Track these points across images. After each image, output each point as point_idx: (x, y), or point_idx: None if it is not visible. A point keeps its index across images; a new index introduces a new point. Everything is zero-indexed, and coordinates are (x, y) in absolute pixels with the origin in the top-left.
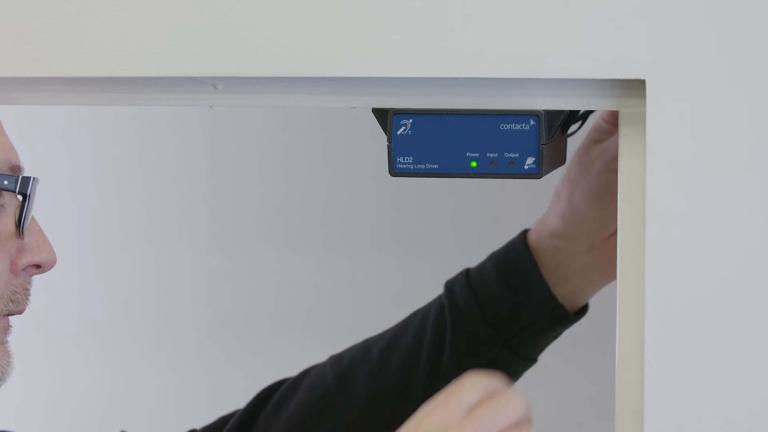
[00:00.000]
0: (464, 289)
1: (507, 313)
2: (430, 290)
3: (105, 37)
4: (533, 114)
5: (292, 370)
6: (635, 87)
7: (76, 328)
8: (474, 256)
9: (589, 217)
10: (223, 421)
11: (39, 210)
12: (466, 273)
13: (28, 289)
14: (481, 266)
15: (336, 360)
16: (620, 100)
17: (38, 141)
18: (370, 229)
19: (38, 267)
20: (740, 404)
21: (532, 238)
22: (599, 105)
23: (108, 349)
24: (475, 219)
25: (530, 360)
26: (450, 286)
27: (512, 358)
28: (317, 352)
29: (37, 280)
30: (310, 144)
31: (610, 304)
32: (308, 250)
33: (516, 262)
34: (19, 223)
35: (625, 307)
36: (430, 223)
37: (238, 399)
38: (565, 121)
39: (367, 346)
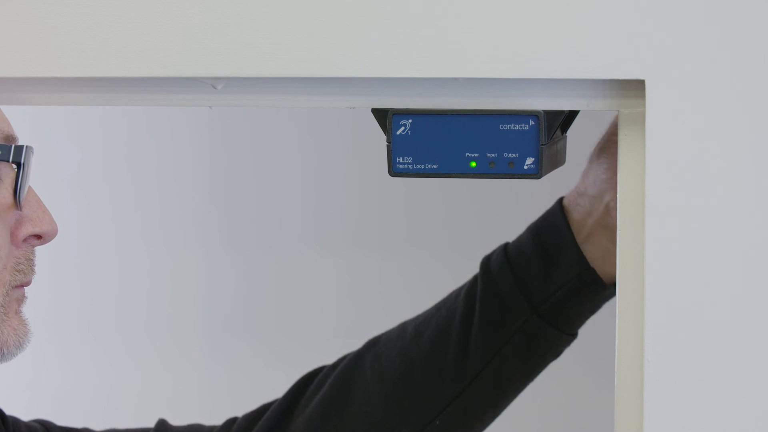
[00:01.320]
0: (500, 256)
1: (538, 276)
2: (428, 289)
3: (104, 37)
4: (533, 114)
5: (300, 368)
6: (635, 87)
7: (83, 327)
8: (472, 256)
9: (604, 178)
10: (265, 407)
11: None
12: (506, 244)
13: (32, 260)
14: (520, 235)
15: (372, 341)
16: (620, 101)
17: (40, 141)
18: (369, 230)
19: (39, 237)
20: (740, 405)
21: (565, 199)
22: (599, 105)
23: (115, 348)
24: (474, 219)
25: (568, 334)
26: (487, 256)
27: (542, 326)
28: (320, 351)
29: (46, 281)
30: (310, 144)
31: (610, 304)
32: (307, 250)
33: (549, 224)
34: (16, 194)
35: (625, 307)
36: (429, 223)
37: (245, 396)
38: (564, 121)
39: (404, 325)
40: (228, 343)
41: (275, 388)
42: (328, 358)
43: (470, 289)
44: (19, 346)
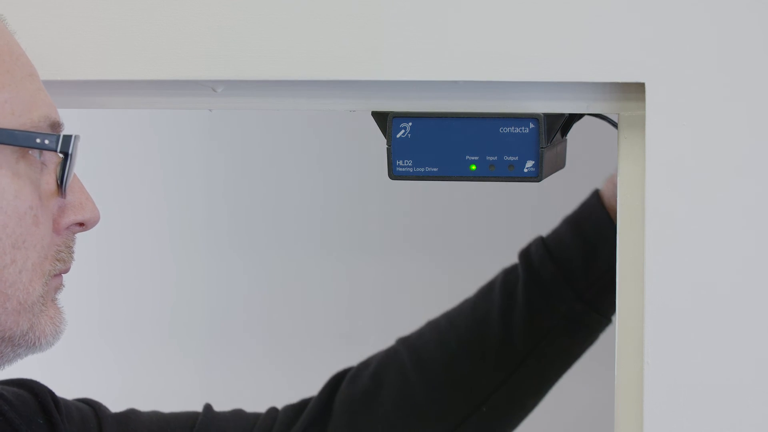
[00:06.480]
0: (539, 248)
1: (580, 263)
2: (430, 292)
3: (104, 40)
4: (533, 117)
5: (301, 369)
6: (635, 90)
7: (87, 326)
8: (471, 258)
9: None
10: (305, 402)
11: None
12: (541, 236)
13: (72, 247)
14: (556, 227)
15: (402, 339)
16: (620, 104)
17: None
18: (369, 233)
19: (81, 224)
20: (740, 407)
21: (602, 189)
22: (599, 108)
23: (118, 348)
24: (475, 222)
25: (605, 317)
26: (525, 249)
27: (585, 312)
28: (322, 353)
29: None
30: (310, 147)
31: None
32: (307, 252)
33: (588, 214)
34: (61, 183)
35: (625, 310)
36: (429, 226)
37: (247, 397)
38: (564, 124)
39: (433, 322)
40: (229, 344)
41: (278, 390)
42: (330, 360)
43: (506, 281)
44: (56, 335)
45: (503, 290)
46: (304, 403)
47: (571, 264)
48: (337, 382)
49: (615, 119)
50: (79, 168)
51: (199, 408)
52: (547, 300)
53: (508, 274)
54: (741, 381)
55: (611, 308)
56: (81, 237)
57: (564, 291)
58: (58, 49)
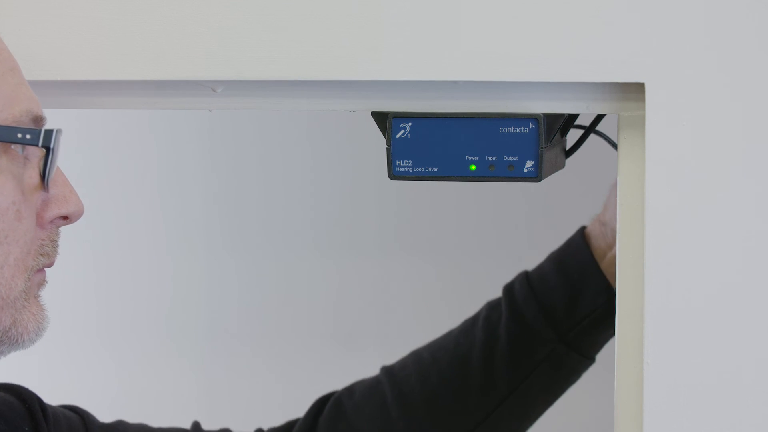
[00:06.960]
0: (523, 286)
1: (563, 305)
2: (431, 294)
3: (104, 40)
4: (532, 117)
5: (298, 371)
6: (635, 90)
7: (86, 328)
8: (471, 259)
9: None
10: (290, 424)
11: None
12: (526, 273)
13: (56, 241)
14: (540, 264)
15: (386, 369)
16: (620, 104)
17: None
18: (369, 234)
19: (65, 218)
20: (740, 407)
21: (588, 228)
22: (598, 108)
23: (117, 350)
24: (474, 222)
25: (588, 358)
26: (509, 286)
27: (569, 353)
28: (319, 354)
29: (49, 283)
30: (310, 148)
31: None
32: (308, 253)
33: (572, 254)
34: (44, 176)
35: (625, 311)
36: (428, 226)
37: (245, 399)
38: (564, 124)
39: (416, 353)
40: (228, 345)
41: (275, 392)
42: (327, 362)
43: (489, 318)
44: (38, 331)
45: (485, 327)
46: (288, 427)
47: (555, 305)
48: (320, 406)
49: (614, 119)
50: (77, 168)
51: (194, 410)
52: (530, 340)
53: (492, 309)
54: (741, 381)
55: (594, 348)
56: (76, 238)
57: (547, 332)
58: (58, 49)
